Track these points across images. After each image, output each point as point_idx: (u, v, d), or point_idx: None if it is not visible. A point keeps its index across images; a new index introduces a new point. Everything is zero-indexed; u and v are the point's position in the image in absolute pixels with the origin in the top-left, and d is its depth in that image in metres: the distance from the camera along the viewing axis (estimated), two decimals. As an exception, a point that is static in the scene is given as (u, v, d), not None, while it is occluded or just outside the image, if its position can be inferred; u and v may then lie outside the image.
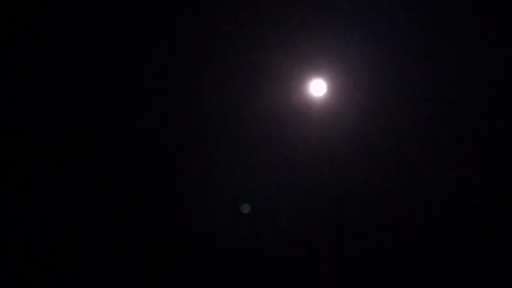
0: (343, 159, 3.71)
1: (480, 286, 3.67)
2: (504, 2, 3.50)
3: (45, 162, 3.69)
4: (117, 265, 3.74)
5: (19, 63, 3.61)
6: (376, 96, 3.64)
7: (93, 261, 3.73)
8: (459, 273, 3.70)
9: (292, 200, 3.78)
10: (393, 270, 3.74)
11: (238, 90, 3.67)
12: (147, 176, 3.75)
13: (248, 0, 3.59)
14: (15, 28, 3.58)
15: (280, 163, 3.74)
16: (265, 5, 3.59)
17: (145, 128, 3.71)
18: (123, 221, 3.76)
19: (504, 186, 3.65)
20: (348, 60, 3.62)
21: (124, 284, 3.73)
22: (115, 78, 3.67)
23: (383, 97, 3.64)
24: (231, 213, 3.78)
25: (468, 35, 3.57)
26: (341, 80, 3.65)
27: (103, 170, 3.72)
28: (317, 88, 3.67)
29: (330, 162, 3.72)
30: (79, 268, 3.71)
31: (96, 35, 3.62)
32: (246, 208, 3.77)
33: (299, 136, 3.70)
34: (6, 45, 3.58)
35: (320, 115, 3.68)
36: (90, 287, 3.72)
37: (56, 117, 3.67)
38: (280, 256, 3.79)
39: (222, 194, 3.78)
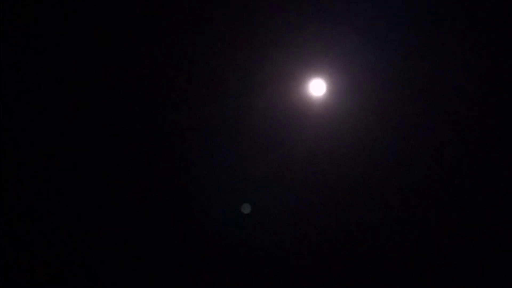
0: (343, 159, 3.71)
1: (480, 286, 3.67)
2: (504, 2, 3.50)
3: (49, 162, 3.70)
4: (117, 265, 3.74)
5: (18, 63, 3.63)
6: (376, 96, 3.64)
7: (94, 261, 3.73)
8: (459, 273, 3.70)
9: (292, 200, 3.78)
10: (394, 270, 3.73)
11: (238, 90, 3.67)
12: (147, 176, 3.76)
13: (248, 0, 3.59)
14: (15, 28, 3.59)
15: (280, 163, 3.74)
16: (265, 5, 3.59)
17: (145, 128, 3.71)
18: (123, 222, 3.76)
19: (504, 185, 3.64)
20: (348, 60, 3.62)
21: (124, 284, 3.74)
22: (115, 78, 3.67)
23: (383, 97, 3.64)
24: (231, 213, 3.78)
25: (468, 35, 3.57)
26: (340, 80, 3.65)
27: (102, 170, 3.72)
28: (317, 88, 3.67)
29: (330, 162, 3.72)
30: (80, 268, 3.72)
31: (96, 35, 3.62)
32: (246, 208, 3.77)
33: (299, 136, 3.70)
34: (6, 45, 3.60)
35: (320, 115, 3.68)
36: (91, 287, 3.73)
37: (58, 118, 3.68)
38: (280, 256, 3.79)
39: (222, 194, 3.78)
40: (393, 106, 3.65)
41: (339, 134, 3.68)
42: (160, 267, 3.77)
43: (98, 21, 3.61)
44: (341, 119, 3.67)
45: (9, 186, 3.67)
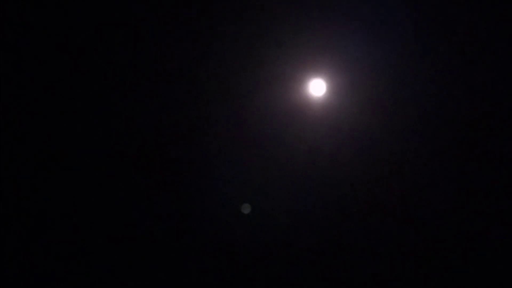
0: (343, 159, 3.71)
1: (480, 286, 3.67)
2: (504, 2, 3.50)
3: (46, 161, 3.70)
4: (117, 265, 3.75)
5: (19, 63, 3.63)
6: (376, 96, 3.64)
7: (94, 261, 3.73)
8: (459, 273, 3.70)
9: (292, 200, 3.78)
10: (393, 270, 3.74)
11: (238, 90, 3.67)
12: (147, 176, 3.76)
13: (248, 0, 3.59)
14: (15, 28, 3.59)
15: (280, 163, 3.74)
16: (265, 5, 3.59)
17: (145, 128, 3.72)
18: (123, 221, 3.76)
19: (504, 185, 3.65)
20: (348, 60, 3.62)
21: (125, 284, 3.74)
22: (115, 78, 3.67)
23: (383, 97, 3.64)
24: (232, 213, 3.78)
25: (468, 35, 3.57)
26: (341, 80, 3.65)
27: (102, 170, 3.73)
28: (317, 88, 3.67)
29: (330, 162, 3.72)
30: (81, 268, 3.72)
31: (96, 34, 3.63)
32: (246, 208, 3.77)
33: (299, 136, 3.70)
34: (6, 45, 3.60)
35: (320, 115, 3.68)
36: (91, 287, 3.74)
37: (56, 116, 3.68)
38: (280, 256, 3.79)
39: (223, 194, 3.78)
40: (393, 106, 3.65)
41: (339, 134, 3.68)
42: (159, 268, 3.77)
43: (98, 21, 3.61)
44: (341, 119, 3.67)
45: (9, 186, 3.67)
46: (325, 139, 3.69)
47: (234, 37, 3.63)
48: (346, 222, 3.77)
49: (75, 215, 3.73)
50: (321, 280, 3.77)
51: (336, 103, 3.68)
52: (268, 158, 3.74)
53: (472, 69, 3.59)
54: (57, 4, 3.55)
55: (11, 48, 3.60)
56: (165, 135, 3.74)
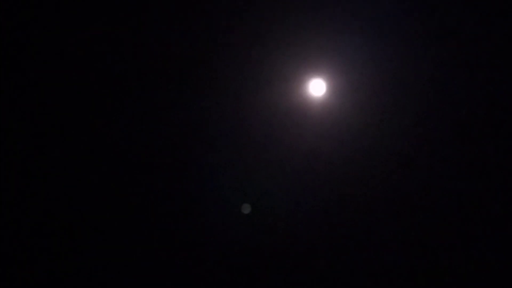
0: (343, 159, 3.71)
1: (480, 287, 3.67)
2: (504, 2, 3.50)
3: (43, 162, 3.70)
4: (117, 265, 3.75)
5: (19, 63, 3.63)
6: (376, 96, 3.64)
7: (94, 262, 3.73)
8: (459, 273, 3.70)
9: (292, 200, 3.78)
10: (393, 270, 3.73)
11: (238, 90, 3.68)
12: (146, 176, 3.76)
13: (248, 0, 3.60)
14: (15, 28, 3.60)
15: (280, 163, 3.74)
16: (265, 5, 3.60)
17: (145, 128, 3.72)
18: (122, 222, 3.76)
19: (504, 185, 3.64)
20: (348, 60, 3.62)
21: (125, 284, 3.74)
22: (114, 78, 3.68)
23: (383, 97, 3.64)
24: (231, 213, 3.78)
25: (467, 35, 3.57)
26: (340, 80, 3.65)
27: (101, 171, 3.73)
28: (317, 88, 3.67)
29: (330, 162, 3.72)
30: (82, 269, 3.72)
31: (96, 33, 3.63)
32: (246, 208, 3.77)
33: (299, 136, 3.70)
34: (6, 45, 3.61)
35: (319, 115, 3.68)
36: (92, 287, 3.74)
37: (52, 116, 3.69)
38: (280, 256, 3.79)
39: (222, 194, 3.78)
40: (393, 106, 3.65)
41: (339, 134, 3.68)
42: (160, 267, 3.77)
43: (98, 20, 3.62)
44: (341, 119, 3.67)
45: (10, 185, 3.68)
46: (325, 139, 3.69)
47: (234, 37, 3.63)
48: (345, 222, 3.77)
49: (76, 215, 3.73)
50: (321, 280, 3.77)
51: (336, 103, 3.68)
52: (268, 158, 3.74)
53: (472, 69, 3.59)
54: (57, 4, 3.56)
55: (11, 48, 3.60)
56: (165, 135, 3.74)
